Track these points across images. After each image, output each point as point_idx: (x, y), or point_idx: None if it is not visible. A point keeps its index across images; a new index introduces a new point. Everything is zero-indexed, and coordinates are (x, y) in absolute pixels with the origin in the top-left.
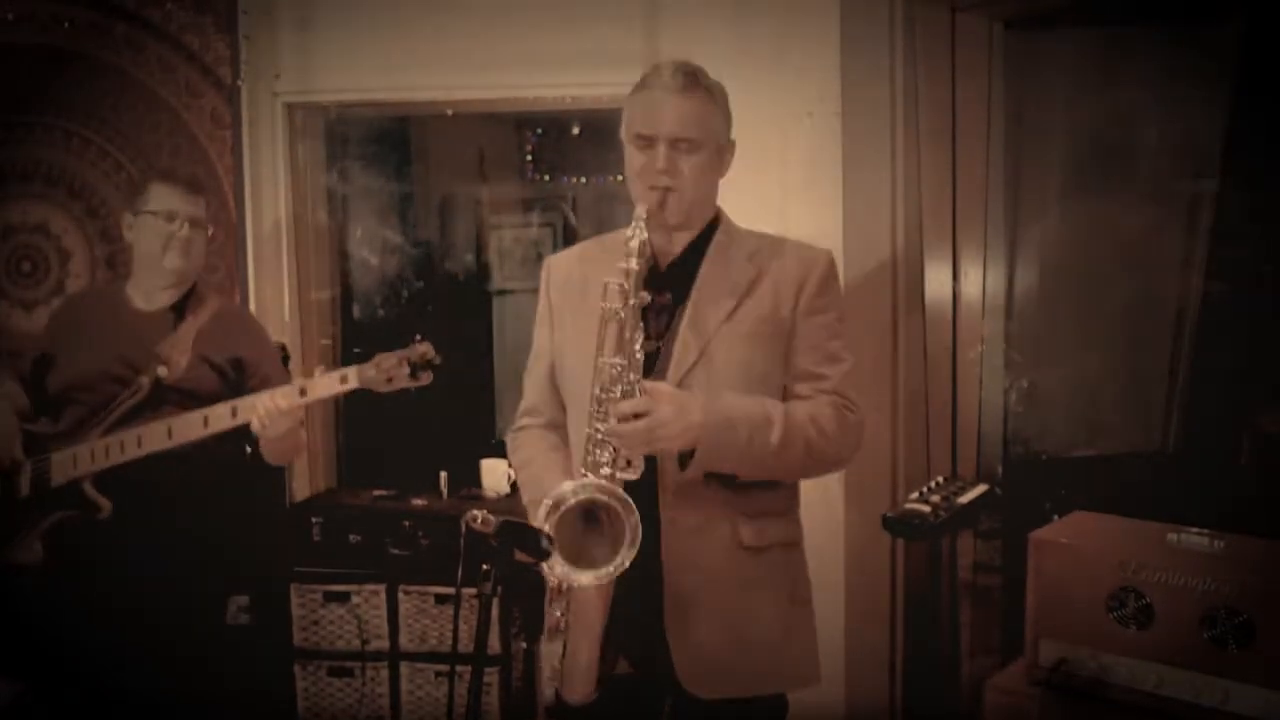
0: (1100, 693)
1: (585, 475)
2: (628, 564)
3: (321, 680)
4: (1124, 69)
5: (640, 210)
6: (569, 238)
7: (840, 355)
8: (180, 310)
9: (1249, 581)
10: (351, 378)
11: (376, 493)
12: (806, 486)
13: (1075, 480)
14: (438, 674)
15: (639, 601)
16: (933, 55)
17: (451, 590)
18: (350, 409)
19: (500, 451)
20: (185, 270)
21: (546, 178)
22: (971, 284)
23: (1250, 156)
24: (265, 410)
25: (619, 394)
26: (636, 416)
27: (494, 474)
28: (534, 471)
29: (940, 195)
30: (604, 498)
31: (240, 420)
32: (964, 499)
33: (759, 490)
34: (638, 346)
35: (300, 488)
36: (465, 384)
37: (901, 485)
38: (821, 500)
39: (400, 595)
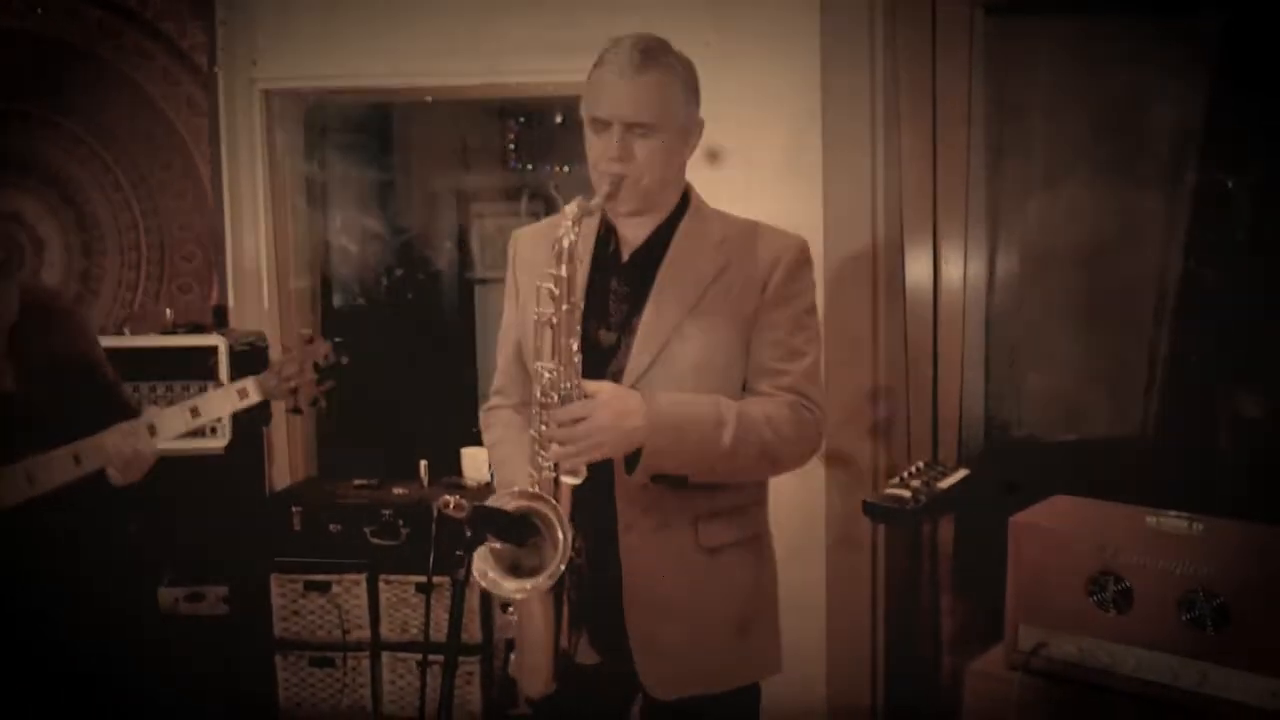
0: (1079, 676)
1: (532, 476)
2: (548, 584)
3: (303, 671)
4: (1105, 55)
5: (570, 207)
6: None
7: (803, 350)
8: None
9: (1226, 564)
10: (251, 391)
11: (357, 482)
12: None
13: (1057, 465)
14: (419, 664)
15: (601, 603)
16: (913, 41)
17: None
18: (330, 396)
19: (481, 440)
20: None
21: (529, 166)
22: (953, 269)
23: (1231, 142)
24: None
25: (558, 399)
26: (576, 422)
27: (475, 462)
28: (503, 452)
29: (921, 181)
30: (531, 507)
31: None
32: (944, 484)
33: (719, 490)
34: (575, 350)
35: (280, 477)
36: (447, 372)
37: (883, 470)
38: (803, 485)
39: (381, 585)
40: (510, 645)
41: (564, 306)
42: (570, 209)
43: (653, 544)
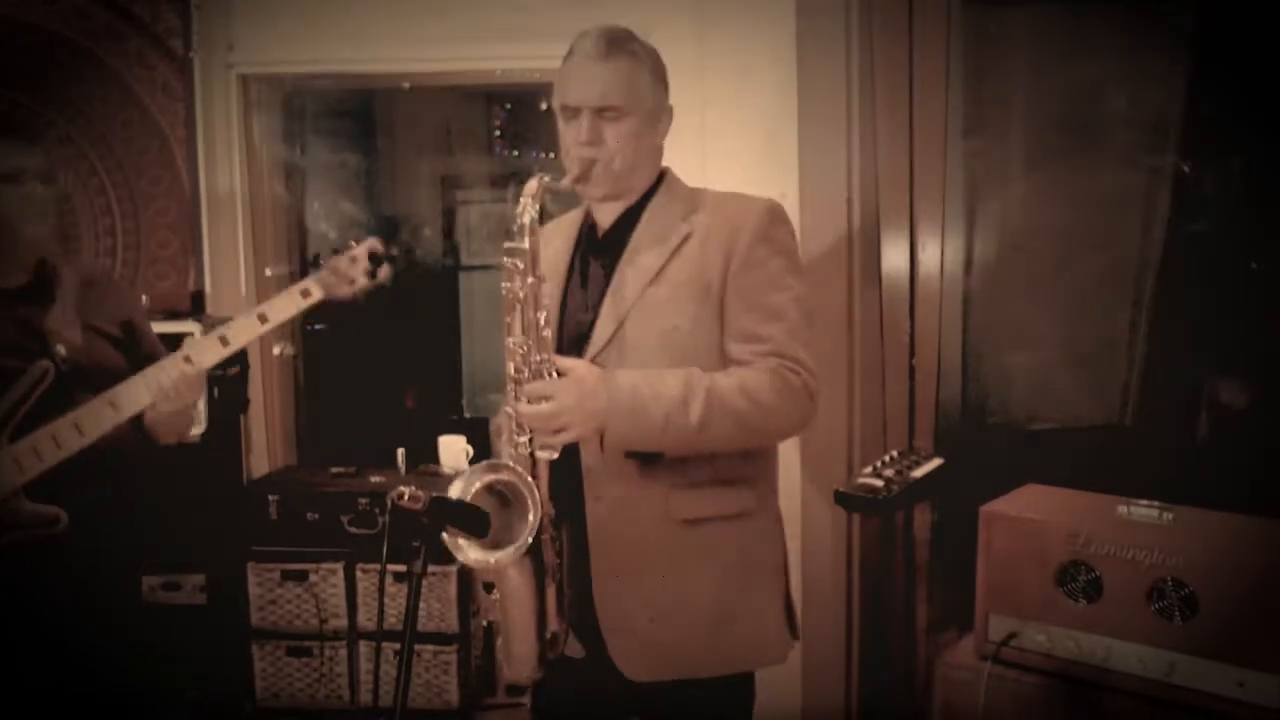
0: (1049, 666)
1: (509, 454)
2: (521, 549)
3: (280, 660)
4: (1083, 41)
5: (532, 183)
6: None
7: (783, 310)
8: (45, 280)
9: (1196, 554)
10: (314, 289)
11: (334, 470)
12: None
13: (1032, 452)
14: (396, 653)
15: (574, 579)
16: (890, 26)
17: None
18: (310, 385)
19: (460, 428)
20: (45, 236)
21: (515, 153)
22: (929, 256)
23: (1209, 129)
24: (173, 379)
25: (529, 375)
26: (542, 400)
27: (452, 450)
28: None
29: (898, 168)
30: (499, 478)
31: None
32: (918, 473)
33: (696, 461)
34: (543, 324)
35: (259, 465)
36: (427, 360)
37: (858, 459)
38: (778, 474)
39: (358, 573)
40: (489, 633)
41: (528, 280)
42: (531, 184)
43: (621, 515)
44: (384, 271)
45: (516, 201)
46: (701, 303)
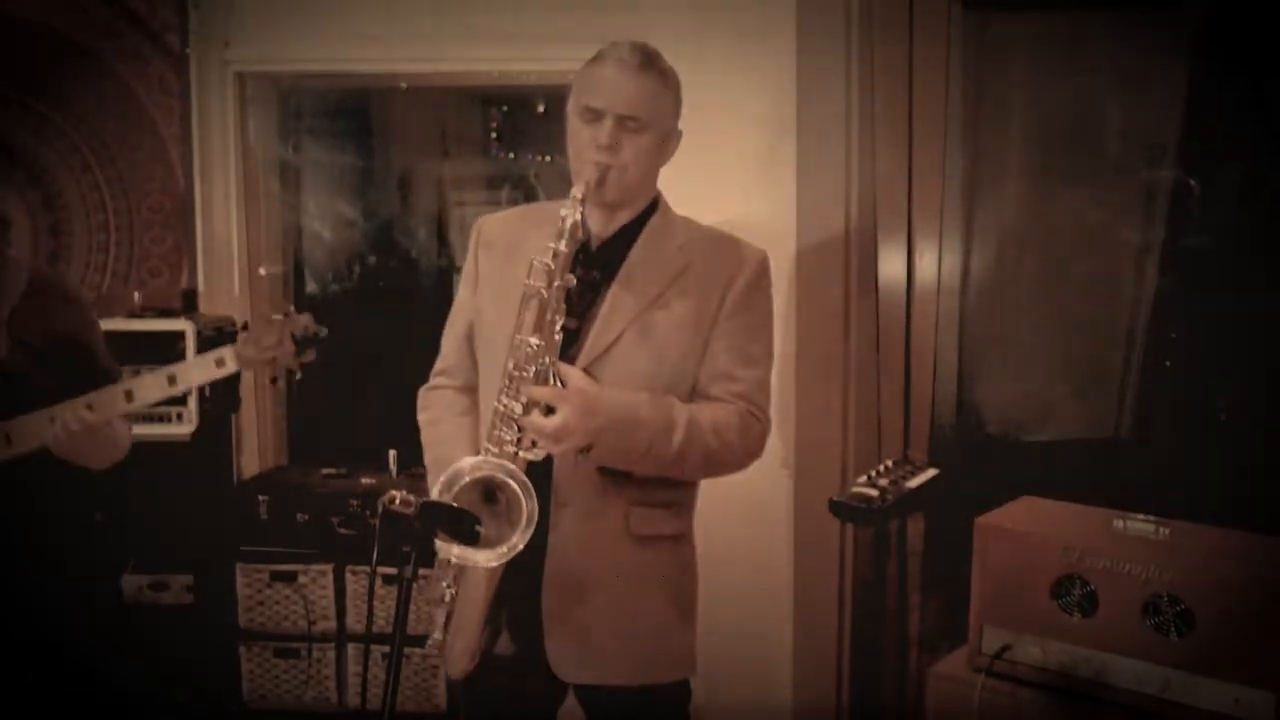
0: (1043, 680)
1: (489, 450)
2: (521, 546)
3: (267, 662)
4: (1083, 52)
5: (576, 190)
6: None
7: (758, 359)
8: None
9: (1191, 569)
10: (229, 360)
11: (325, 471)
12: (755, 467)
13: (1028, 465)
14: (385, 656)
15: (524, 580)
16: (890, 35)
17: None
18: (302, 385)
19: None
20: None
21: (510, 155)
22: (926, 266)
23: (1207, 143)
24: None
25: (532, 374)
26: (546, 410)
27: None
28: (442, 431)
29: (896, 176)
30: (505, 478)
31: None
32: (912, 483)
33: (657, 482)
34: (558, 328)
35: (249, 465)
36: (420, 361)
37: (852, 468)
38: (771, 483)
39: (348, 575)
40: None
41: (555, 282)
42: (577, 191)
43: (583, 523)
44: (310, 353)
45: (511, 204)
46: (693, 335)
